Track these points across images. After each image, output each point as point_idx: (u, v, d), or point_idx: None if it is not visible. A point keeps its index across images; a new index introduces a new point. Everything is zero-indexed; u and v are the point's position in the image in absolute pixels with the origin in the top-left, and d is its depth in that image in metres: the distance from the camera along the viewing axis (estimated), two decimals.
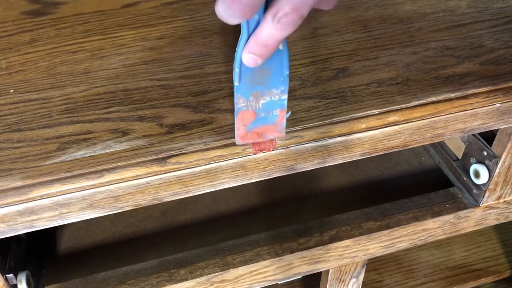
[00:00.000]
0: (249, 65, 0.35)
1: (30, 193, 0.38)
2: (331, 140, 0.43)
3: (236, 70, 0.36)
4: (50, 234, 0.58)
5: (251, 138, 0.40)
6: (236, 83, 0.37)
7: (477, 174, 0.56)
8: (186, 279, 0.52)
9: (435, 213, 0.58)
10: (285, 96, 0.38)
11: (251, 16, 0.32)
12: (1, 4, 0.57)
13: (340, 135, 0.43)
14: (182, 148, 0.40)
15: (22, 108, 0.44)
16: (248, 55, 0.35)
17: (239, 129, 0.39)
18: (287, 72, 0.37)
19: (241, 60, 0.35)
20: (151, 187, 0.40)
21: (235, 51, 0.35)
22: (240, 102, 0.38)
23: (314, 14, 0.55)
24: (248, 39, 0.34)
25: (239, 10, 0.31)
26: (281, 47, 0.36)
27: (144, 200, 0.41)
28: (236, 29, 0.52)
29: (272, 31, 0.33)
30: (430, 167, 0.67)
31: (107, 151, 0.40)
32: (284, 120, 0.39)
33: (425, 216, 0.57)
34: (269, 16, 0.32)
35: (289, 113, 0.40)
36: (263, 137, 0.40)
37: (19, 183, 0.38)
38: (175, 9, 0.56)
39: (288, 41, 0.51)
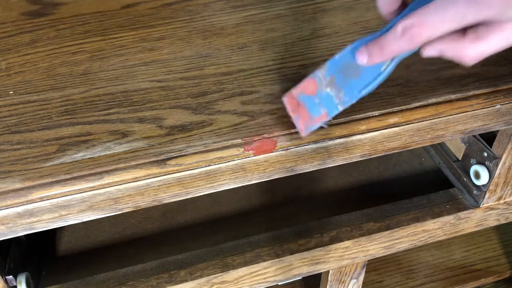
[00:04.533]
0: (357, 58, 0.36)
1: (29, 195, 0.38)
2: (331, 142, 0.43)
3: (348, 48, 0.37)
4: (50, 236, 0.58)
5: (291, 105, 0.39)
6: (336, 56, 0.38)
7: (477, 175, 0.56)
8: (186, 280, 0.52)
9: (435, 214, 0.58)
10: (341, 108, 0.39)
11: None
12: (1, 5, 0.57)
13: (340, 137, 0.43)
14: (182, 150, 0.40)
15: (22, 109, 0.44)
16: (363, 50, 0.36)
17: (296, 89, 0.39)
18: (363, 93, 0.38)
19: (357, 48, 0.37)
20: (151, 189, 0.40)
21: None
22: (320, 71, 0.38)
23: (314, 14, 0.55)
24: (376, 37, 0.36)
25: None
26: (384, 68, 0.37)
27: (144, 202, 0.41)
28: (237, 29, 0.52)
29: (393, 37, 0.34)
30: (431, 168, 0.67)
31: (107, 153, 0.39)
32: (318, 124, 0.39)
33: (425, 217, 0.57)
34: (398, 24, 0.33)
35: (325, 124, 0.40)
36: (294, 115, 0.39)
37: (18, 185, 0.37)
38: (175, 10, 0.56)
39: (289, 42, 0.51)
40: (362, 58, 0.36)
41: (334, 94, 0.38)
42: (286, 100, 0.40)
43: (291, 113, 0.39)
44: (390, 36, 0.34)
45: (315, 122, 0.39)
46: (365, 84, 0.38)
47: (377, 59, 0.36)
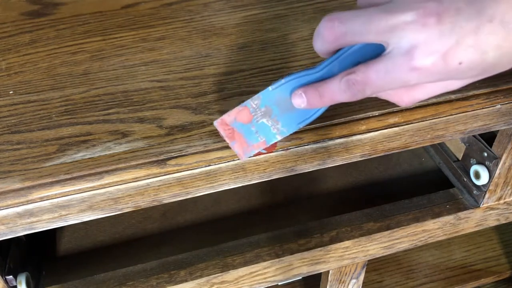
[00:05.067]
0: (294, 101, 0.37)
1: (29, 195, 0.38)
2: (331, 142, 0.43)
3: (282, 81, 0.37)
4: (50, 236, 0.58)
5: (225, 132, 0.38)
6: (270, 88, 0.37)
7: (477, 175, 0.56)
8: (186, 280, 0.52)
9: (435, 214, 0.58)
10: (280, 137, 0.39)
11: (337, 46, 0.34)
12: (1, 5, 0.57)
13: (340, 137, 0.43)
14: (182, 150, 0.40)
15: (22, 109, 0.44)
16: (301, 94, 0.36)
17: (228, 116, 0.38)
18: (301, 125, 0.38)
19: (292, 83, 0.37)
20: (151, 189, 0.40)
21: (283, 75, 0.38)
22: (253, 102, 0.38)
23: (314, 15, 0.55)
24: (313, 81, 0.36)
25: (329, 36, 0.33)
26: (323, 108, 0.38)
27: (144, 202, 0.41)
28: (237, 29, 0.52)
29: (335, 88, 0.34)
30: (431, 168, 0.67)
31: (107, 153, 0.39)
32: (256, 150, 0.39)
33: (425, 217, 0.57)
34: (342, 75, 0.34)
35: (257, 151, 0.40)
36: (230, 141, 0.39)
37: (18, 185, 0.37)
38: (175, 10, 0.56)
39: (288, 42, 0.51)
40: (300, 102, 0.36)
41: (271, 125, 0.38)
42: (219, 126, 0.38)
43: (226, 139, 0.38)
44: (333, 87, 0.34)
45: (253, 148, 0.39)
46: (304, 118, 0.38)
47: (315, 105, 0.36)
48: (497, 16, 0.29)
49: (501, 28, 0.29)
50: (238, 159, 0.41)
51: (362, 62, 0.34)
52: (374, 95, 0.36)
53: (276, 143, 0.40)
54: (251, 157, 0.40)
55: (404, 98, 0.36)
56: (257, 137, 0.39)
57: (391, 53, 0.31)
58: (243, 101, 0.43)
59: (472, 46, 0.29)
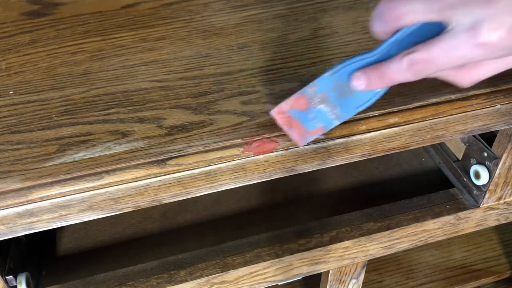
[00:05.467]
0: (353, 83, 0.36)
1: (29, 195, 0.38)
2: (331, 142, 0.43)
3: (339, 66, 0.37)
4: (50, 236, 0.58)
5: (282, 120, 0.39)
6: (326, 74, 0.37)
7: (477, 175, 0.56)
8: (186, 280, 0.52)
9: (435, 214, 0.58)
10: (338, 122, 0.39)
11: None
12: (1, 5, 0.57)
13: (340, 137, 0.43)
14: (182, 150, 0.40)
15: (22, 109, 0.44)
16: (360, 76, 0.35)
17: (285, 105, 0.38)
18: (360, 109, 0.38)
19: (349, 68, 0.37)
20: (151, 189, 0.40)
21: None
22: (310, 88, 0.38)
23: (314, 15, 0.55)
24: (372, 62, 0.36)
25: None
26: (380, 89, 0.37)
27: (144, 202, 0.41)
28: (237, 29, 0.52)
29: (396, 68, 0.33)
30: (431, 168, 0.67)
31: (107, 153, 0.39)
32: (314, 137, 0.40)
33: (425, 217, 0.57)
34: (402, 54, 0.33)
35: (316, 137, 0.40)
36: (288, 128, 0.39)
37: (18, 185, 0.37)
38: (175, 10, 0.56)
39: (288, 42, 0.51)
40: (359, 84, 0.36)
41: (329, 110, 0.38)
42: (276, 115, 0.39)
43: (283, 127, 0.39)
44: (393, 66, 0.33)
45: (311, 134, 0.39)
46: (362, 102, 0.38)
47: (375, 86, 0.36)
48: None
49: None
50: (238, 159, 0.41)
51: (421, 42, 0.33)
52: (434, 75, 0.35)
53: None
54: (308, 144, 0.41)
55: (465, 77, 0.35)
56: (315, 123, 0.39)
57: (454, 30, 0.31)
58: (243, 101, 0.43)
59: None
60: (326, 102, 0.38)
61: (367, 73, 0.35)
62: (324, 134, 0.41)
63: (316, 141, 0.42)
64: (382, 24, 0.34)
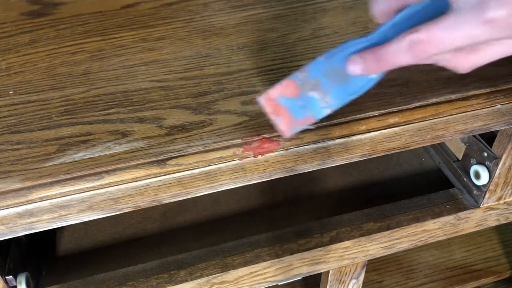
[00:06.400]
0: (350, 67, 0.35)
1: (29, 195, 0.38)
2: (331, 142, 0.43)
3: (334, 51, 0.35)
4: (50, 236, 0.58)
5: (270, 107, 0.37)
6: (321, 59, 0.36)
7: (477, 175, 0.56)
8: (186, 281, 0.52)
9: (436, 214, 0.58)
10: (328, 111, 0.37)
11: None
12: (1, 5, 0.57)
13: (340, 137, 0.42)
14: (181, 150, 0.40)
15: (22, 109, 0.44)
16: (357, 59, 0.34)
17: (274, 91, 0.37)
18: (352, 97, 0.37)
19: (344, 52, 0.35)
20: (151, 189, 0.40)
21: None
22: (301, 74, 0.36)
23: (314, 15, 0.55)
24: (369, 47, 0.34)
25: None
26: (376, 75, 0.36)
27: (144, 202, 0.41)
28: (237, 29, 0.52)
29: (395, 49, 0.32)
30: (431, 168, 0.67)
31: (107, 153, 0.39)
32: (303, 127, 0.38)
33: (425, 217, 0.57)
34: (403, 34, 0.31)
35: (304, 128, 0.38)
36: (275, 117, 0.37)
37: (18, 185, 0.37)
38: (174, 10, 0.56)
39: (288, 42, 0.51)
40: (355, 68, 0.34)
41: (319, 98, 0.37)
42: (263, 101, 0.37)
43: (271, 115, 0.37)
44: (393, 48, 0.32)
45: (300, 124, 0.37)
46: (355, 89, 0.37)
47: (373, 70, 0.34)
48: None
49: None
50: (238, 159, 0.41)
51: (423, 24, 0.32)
52: (435, 58, 0.33)
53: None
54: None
55: (464, 62, 0.33)
56: (304, 111, 0.37)
57: (460, 8, 0.30)
58: (243, 101, 0.43)
59: None
60: (317, 89, 0.36)
61: (364, 56, 0.34)
62: (313, 124, 0.39)
63: (316, 141, 0.42)
64: (386, 2, 0.33)
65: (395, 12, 0.34)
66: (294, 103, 0.37)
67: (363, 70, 0.34)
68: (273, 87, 0.37)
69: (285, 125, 0.37)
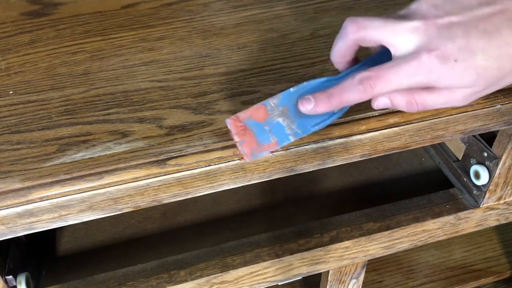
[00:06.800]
0: (301, 106, 0.38)
1: (29, 195, 0.38)
2: (331, 142, 0.43)
3: (304, 84, 0.39)
4: (50, 236, 0.58)
5: (236, 129, 0.38)
6: (291, 89, 0.39)
7: (477, 175, 0.56)
8: (186, 281, 0.52)
9: (435, 214, 0.58)
10: (293, 139, 0.39)
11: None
12: (1, 5, 0.57)
13: (340, 137, 0.43)
14: (181, 150, 0.40)
15: (22, 109, 0.44)
16: (309, 98, 0.37)
17: (243, 114, 0.38)
18: (316, 128, 0.39)
19: (312, 87, 0.39)
20: (151, 189, 0.40)
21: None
22: (272, 101, 0.38)
23: (314, 15, 0.55)
24: (329, 84, 0.38)
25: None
26: (336, 110, 0.39)
27: (144, 202, 0.41)
28: (237, 29, 0.52)
29: (346, 86, 0.37)
30: (430, 168, 0.67)
31: (107, 153, 0.39)
32: (266, 152, 0.38)
33: (425, 217, 0.57)
34: (356, 74, 0.36)
35: (266, 153, 0.39)
36: (239, 138, 0.38)
37: (18, 185, 0.37)
38: (174, 10, 0.56)
39: (287, 42, 0.51)
40: (307, 106, 0.37)
41: (286, 125, 0.38)
42: (230, 122, 0.38)
43: (235, 137, 0.38)
44: (345, 84, 0.37)
45: (263, 149, 0.38)
46: (318, 121, 0.39)
47: (322, 107, 0.37)
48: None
49: (485, 34, 0.34)
50: (238, 159, 0.41)
51: None
52: (382, 94, 0.38)
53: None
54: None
55: (417, 101, 0.38)
56: (269, 136, 0.38)
57: (401, 54, 0.36)
58: (243, 101, 0.43)
59: (464, 47, 0.34)
60: (285, 116, 0.38)
61: (315, 96, 0.37)
62: (272, 152, 0.41)
63: (316, 141, 0.42)
64: (345, 37, 0.38)
65: (354, 60, 0.40)
66: (261, 127, 0.38)
67: (313, 107, 0.37)
68: (243, 110, 0.38)
69: (248, 148, 0.38)
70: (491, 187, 0.56)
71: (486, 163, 0.55)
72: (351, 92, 0.36)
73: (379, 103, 0.38)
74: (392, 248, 0.59)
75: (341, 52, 0.39)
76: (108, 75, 0.47)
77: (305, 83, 0.39)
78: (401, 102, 0.38)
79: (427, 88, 0.37)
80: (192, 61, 0.49)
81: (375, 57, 0.40)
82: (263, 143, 0.38)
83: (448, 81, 0.36)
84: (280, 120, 0.38)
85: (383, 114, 0.43)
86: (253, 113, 0.38)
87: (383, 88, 0.36)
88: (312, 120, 0.39)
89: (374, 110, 0.43)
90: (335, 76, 0.40)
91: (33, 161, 0.39)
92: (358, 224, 0.57)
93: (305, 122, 0.39)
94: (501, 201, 0.58)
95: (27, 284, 0.48)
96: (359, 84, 0.36)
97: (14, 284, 0.47)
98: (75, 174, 0.38)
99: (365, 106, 0.43)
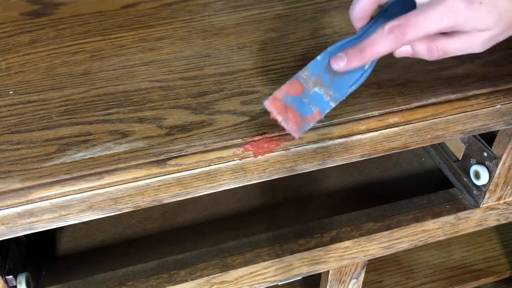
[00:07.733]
0: (334, 65, 0.38)
1: (29, 195, 0.38)
2: (331, 142, 0.43)
3: (328, 49, 0.39)
4: (50, 236, 0.58)
5: (277, 108, 0.38)
6: (318, 57, 0.39)
7: (477, 175, 0.56)
8: (186, 280, 0.52)
9: (435, 214, 0.58)
10: (333, 104, 0.39)
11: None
12: (1, 5, 0.57)
13: (340, 137, 0.43)
14: (181, 150, 0.40)
15: (22, 109, 0.44)
16: (338, 56, 0.38)
17: (279, 92, 0.38)
18: (353, 88, 0.39)
19: (337, 49, 0.38)
20: (151, 189, 0.40)
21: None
22: (304, 73, 0.38)
23: (314, 14, 0.55)
24: (352, 43, 0.38)
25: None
26: (367, 66, 0.39)
27: (144, 202, 0.41)
28: (237, 29, 0.52)
29: (376, 37, 0.36)
30: (430, 168, 0.67)
31: (107, 153, 0.39)
32: (311, 123, 0.39)
33: (425, 217, 0.57)
34: (385, 25, 0.36)
35: (312, 125, 0.39)
36: (283, 119, 0.38)
37: (18, 185, 0.37)
38: (174, 10, 0.56)
39: (288, 42, 0.51)
40: (338, 65, 0.38)
41: (323, 93, 0.39)
42: (269, 104, 0.38)
43: (277, 116, 0.37)
44: (373, 37, 0.37)
45: (307, 121, 0.38)
46: (353, 81, 0.39)
47: (355, 62, 0.37)
48: None
49: None
50: (238, 159, 0.41)
51: None
52: (413, 50, 0.38)
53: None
54: (305, 132, 0.40)
55: (438, 47, 0.38)
56: (311, 107, 0.38)
57: (427, 2, 0.36)
58: (243, 101, 0.43)
59: None
60: (320, 84, 0.38)
61: (347, 52, 0.38)
62: (320, 121, 0.40)
63: (316, 141, 0.42)
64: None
65: (370, 17, 0.40)
66: (300, 101, 0.38)
67: (345, 63, 0.38)
68: (279, 89, 0.38)
69: (294, 124, 0.38)
70: (491, 187, 0.56)
71: (486, 163, 0.55)
72: (382, 43, 0.36)
73: (401, 52, 0.38)
74: (392, 248, 0.59)
75: (363, 7, 0.39)
76: (108, 75, 0.47)
77: (329, 48, 0.39)
78: (422, 49, 0.38)
79: (447, 34, 0.37)
80: (192, 61, 0.49)
81: (388, 9, 0.40)
82: (306, 116, 0.38)
83: (473, 23, 0.36)
84: (316, 89, 0.38)
85: (383, 114, 0.43)
86: (289, 89, 0.38)
87: (413, 35, 0.36)
88: (347, 82, 0.39)
89: (374, 110, 0.43)
90: (355, 35, 0.40)
91: (33, 161, 0.39)
92: (358, 224, 0.57)
93: (341, 85, 0.39)
94: (501, 201, 0.58)
95: (27, 284, 0.48)
96: (389, 34, 0.36)
97: (14, 284, 0.47)
98: (75, 174, 0.38)
99: (365, 106, 0.43)
